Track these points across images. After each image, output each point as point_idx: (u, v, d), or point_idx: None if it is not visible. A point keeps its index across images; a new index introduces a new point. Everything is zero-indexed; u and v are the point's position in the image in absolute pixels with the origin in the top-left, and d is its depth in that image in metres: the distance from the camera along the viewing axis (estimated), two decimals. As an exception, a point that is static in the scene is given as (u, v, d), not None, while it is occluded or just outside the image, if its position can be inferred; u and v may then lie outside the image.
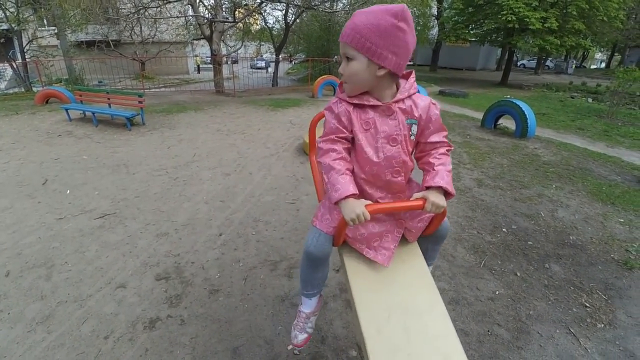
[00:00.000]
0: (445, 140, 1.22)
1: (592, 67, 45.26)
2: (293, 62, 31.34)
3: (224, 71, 14.29)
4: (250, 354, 2.06)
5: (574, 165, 5.40)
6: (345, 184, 1.09)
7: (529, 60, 35.04)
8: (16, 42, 13.60)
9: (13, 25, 12.71)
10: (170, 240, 3.27)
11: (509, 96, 12.71)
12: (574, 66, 29.41)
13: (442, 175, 1.14)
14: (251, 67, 25.66)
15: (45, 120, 8.07)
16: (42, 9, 13.04)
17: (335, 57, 18.38)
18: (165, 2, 12.54)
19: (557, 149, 6.28)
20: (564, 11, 15.17)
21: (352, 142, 1.20)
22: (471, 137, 7.06)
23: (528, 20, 14.43)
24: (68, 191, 4.35)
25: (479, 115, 8.74)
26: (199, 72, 28.21)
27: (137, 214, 3.78)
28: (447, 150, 1.22)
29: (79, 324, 2.29)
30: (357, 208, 1.03)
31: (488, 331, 2.25)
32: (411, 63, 35.79)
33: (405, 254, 1.25)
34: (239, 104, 10.72)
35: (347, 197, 1.07)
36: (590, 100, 12.94)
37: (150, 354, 2.06)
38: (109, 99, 8.06)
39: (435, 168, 1.16)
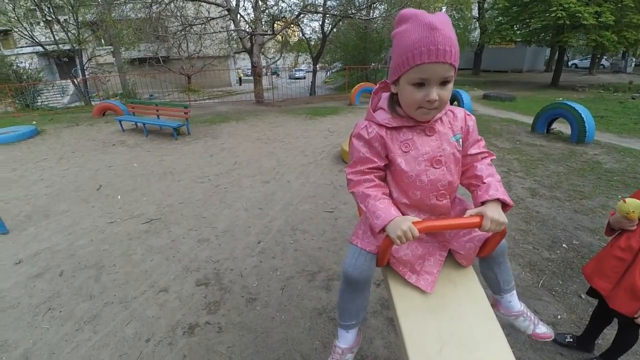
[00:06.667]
0: (486, 150, 1.15)
1: (657, 65, 40.95)
2: (328, 72, 31.59)
3: (263, 82, 14.69)
4: (287, 367, 1.99)
5: (644, 173, 4.82)
6: (386, 209, 1.00)
7: (581, 60, 32.44)
8: (77, 61, 15.00)
9: (74, 45, 14.05)
10: (210, 247, 3.32)
11: (561, 98, 11.82)
12: (633, 64, 26.73)
13: (496, 187, 1.03)
14: (290, 78, 26.24)
15: (102, 131, 8.72)
16: (100, 30, 14.27)
17: (373, 64, 18.23)
18: (209, 18, 13.22)
19: (621, 155, 5.66)
20: (620, 4, 13.91)
21: (387, 168, 1.11)
22: (521, 142, 6.59)
23: (580, 15, 13.41)
24: (119, 197, 4.61)
25: (529, 120, 8.17)
26: (241, 84, 29.35)
27: (181, 219, 3.90)
28: (491, 160, 1.14)
29: (123, 325, 2.35)
30: (404, 224, 0.93)
31: (550, 360, 2.00)
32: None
33: (459, 279, 1.13)
34: (278, 114, 10.92)
35: (390, 221, 0.98)
36: (656, 101, 11.65)
37: (189, 360, 2.06)
38: (157, 110, 8.56)
39: (485, 181, 1.05)
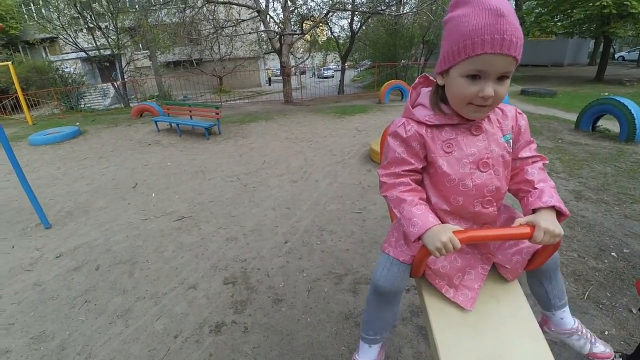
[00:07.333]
0: (537, 153, 1.04)
1: None
2: (359, 69, 31.36)
3: (292, 82, 14.79)
4: (312, 372, 1.95)
5: None
6: (423, 216, 0.89)
7: (629, 52, 29.92)
8: (117, 65, 15.85)
9: (114, 50, 14.85)
10: (238, 245, 3.35)
11: (607, 93, 10.99)
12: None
13: (550, 193, 0.92)
14: (318, 77, 26.28)
15: (139, 131, 9.12)
16: (137, 35, 14.98)
17: (403, 61, 17.85)
18: (239, 21, 13.47)
19: (679, 155, 5.16)
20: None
21: (424, 170, 1.01)
22: (564, 141, 6.17)
23: (628, 3, 12.40)
24: (153, 194, 4.78)
25: (572, 117, 7.65)
26: (270, 84, 29.78)
27: (211, 217, 3.97)
28: (543, 165, 1.03)
29: (153, 320, 2.41)
30: (443, 234, 0.83)
31: (599, 379, 1.82)
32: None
33: (503, 294, 1.02)
34: (307, 113, 10.94)
35: (427, 230, 0.88)
36: None
37: (214, 359, 2.06)
38: (190, 111, 8.83)
39: (537, 186, 0.95)
